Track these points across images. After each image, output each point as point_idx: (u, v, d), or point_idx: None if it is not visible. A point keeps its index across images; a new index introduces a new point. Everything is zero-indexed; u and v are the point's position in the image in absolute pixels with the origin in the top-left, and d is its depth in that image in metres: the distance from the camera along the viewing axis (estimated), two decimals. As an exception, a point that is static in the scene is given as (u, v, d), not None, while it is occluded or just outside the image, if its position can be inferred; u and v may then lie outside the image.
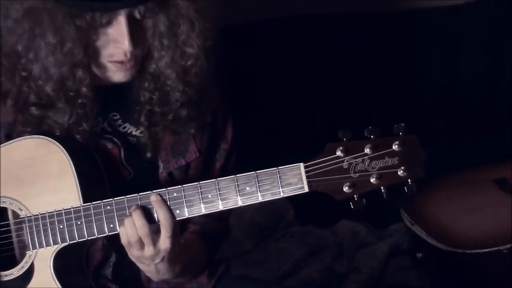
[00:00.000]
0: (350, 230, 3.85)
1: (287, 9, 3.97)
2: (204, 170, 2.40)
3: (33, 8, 2.10)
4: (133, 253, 2.14)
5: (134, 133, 2.33)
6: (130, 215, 2.09)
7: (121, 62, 2.18)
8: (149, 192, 2.10)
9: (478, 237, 3.25)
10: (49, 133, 2.21)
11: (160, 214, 2.08)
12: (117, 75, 2.21)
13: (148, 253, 2.11)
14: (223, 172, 2.42)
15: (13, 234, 2.22)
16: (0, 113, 2.24)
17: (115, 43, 2.15)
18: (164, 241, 2.09)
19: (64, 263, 2.20)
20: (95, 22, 2.11)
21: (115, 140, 2.32)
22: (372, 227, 3.89)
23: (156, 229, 2.10)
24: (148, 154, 2.32)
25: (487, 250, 3.16)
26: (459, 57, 4.23)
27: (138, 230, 2.07)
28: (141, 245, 2.10)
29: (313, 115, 4.09)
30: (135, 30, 2.15)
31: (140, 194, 2.11)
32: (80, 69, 2.15)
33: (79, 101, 2.18)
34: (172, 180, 2.34)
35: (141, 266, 2.20)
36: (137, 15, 2.14)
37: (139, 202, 2.10)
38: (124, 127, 2.34)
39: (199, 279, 2.44)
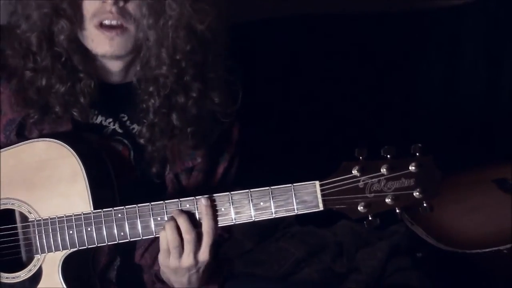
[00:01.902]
0: (350, 230, 3.85)
1: (288, 9, 3.97)
2: (208, 172, 2.41)
3: None
4: (171, 263, 2.12)
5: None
6: (171, 219, 2.08)
7: (108, 29, 2.19)
8: (162, 201, 2.11)
9: (478, 237, 3.26)
10: (60, 136, 2.21)
11: (205, 220, 2.07)
12: (103, 44, 2.21)
13: (186, 263, 2.10)
14: (226, 175, 2.44)
15: (20, 236, 2.23)
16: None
17: None
18: (205, 251, 2.09)
19: (72, 268, 2.21)
20: None
21: (125, 142, 2.33)
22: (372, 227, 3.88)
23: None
24: (154, 170, 2.32)
25: (487, 250, 3.17)
26: (459, 57, 4.23)
27: (184, 235, 2.06)
28: (180, 253, 2.09)
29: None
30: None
31: (152, 203, 2.11)
32: (63, 18, 2.18)
33: (63, 59, 2.21)
34: (178, 182, 2.35)
35: (172, 278, 2.20)
36: None
37: (150, 211, 2.11)
38: (133, 129, 2.34)
39: None
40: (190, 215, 2.09)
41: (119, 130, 2.33)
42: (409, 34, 4.17)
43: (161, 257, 2.14)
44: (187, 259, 2.09)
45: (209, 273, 2.21)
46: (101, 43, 2.20)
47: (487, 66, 4.24)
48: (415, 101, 4.21)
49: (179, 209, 2.09)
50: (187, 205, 2.09)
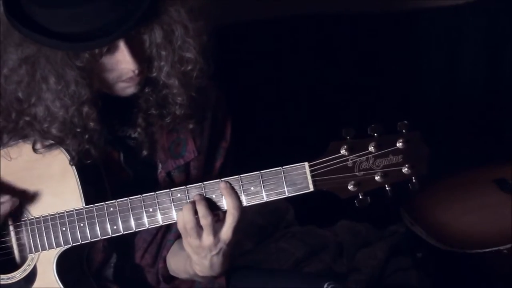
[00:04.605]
0: (350, 230, 3.84)
1: (288, 9, 3.97)
2: (205, 170, 2.40)
3: (30, 55, 2.06)
4: (191, 242, 2.11)
5: (133, 135, 2.31)
6: (191, 202, 2.07)
7: (131, 78, 2.15)
8: (153, 192, 2.10)
9: (478, 237, 3.26)
10: None
11: (229, 202, 2.07)
12: (128, 90, 2.19)
13: (207, 242, 2.09)
14: (223, 170, 2.43)
15: (13, 236, 2.21)
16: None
17: (120, 64, 2.11)
18: (227, 231, 2.08)
19: (67, 265, 2.20)
20: (95, 56, 2.06)
21: (114, 146, 2.31)
22: (372, 227, 3.88)
23: (216, 218, 2.09)
24: (144, 152, 2.29)
25: (487, 250, 3.17)
26: (459, 57, 4.23)
27: (201, 220, 2.06)
28: (198, 233, 2.08)
29: (315, 113, 4.10)
30: (134, 45, 2.11)
31: (143, 195, 2.10)
32: (86, 105, 2.10)
33: (86, 136, 2.14)
34: (171, 181, 2.34)
35: (195, 258, 2.17)
36: (133, 33, 2.09)
37: (142, 203, 2.10)
38: (123, 131, 2.32)
39: None
40: (209, 201, 2.08)
41: (108, 136, 2.30)
42: (409, 33, 4.17)
43: (183, 238, 2.13)
44: (207, 238, 2.08)
45: (231, 258, 2.20)
46: (127, 90, 2.18)
47: (487, 66, 4.24)
48: (414, 102, 4.21)
49: (199, 194, 2.08)
50: (178, 195, 2.09)
